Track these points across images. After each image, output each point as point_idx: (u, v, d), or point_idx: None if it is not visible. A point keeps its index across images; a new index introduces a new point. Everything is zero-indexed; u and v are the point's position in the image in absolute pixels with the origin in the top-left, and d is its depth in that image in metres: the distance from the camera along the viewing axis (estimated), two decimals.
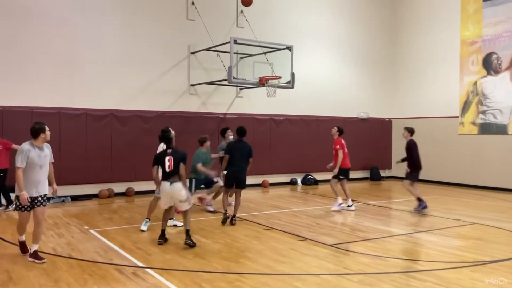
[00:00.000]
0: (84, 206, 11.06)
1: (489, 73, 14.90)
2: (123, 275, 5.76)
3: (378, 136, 17.58)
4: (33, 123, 6.36)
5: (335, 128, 10.76)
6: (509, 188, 13.95)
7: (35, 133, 6.19)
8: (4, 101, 11.19)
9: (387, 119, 17.97)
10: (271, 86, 12.21)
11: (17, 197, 6.11)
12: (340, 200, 10.52)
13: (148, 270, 5.94)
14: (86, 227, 8.56)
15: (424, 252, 6.96)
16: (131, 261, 6.36)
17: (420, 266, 6.19)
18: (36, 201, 6.24)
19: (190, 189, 9.76)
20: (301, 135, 15.76)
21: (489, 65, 14.88)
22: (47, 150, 6.36)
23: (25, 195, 6.01)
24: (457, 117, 15.71)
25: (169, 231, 7.58)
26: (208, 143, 10.06)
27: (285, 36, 14.73)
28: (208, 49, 13.30)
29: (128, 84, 12.84)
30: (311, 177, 15.76)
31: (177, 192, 7.09)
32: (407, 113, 17.46)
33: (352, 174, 16.93)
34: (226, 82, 12.53)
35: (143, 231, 8.20)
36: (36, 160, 6.11)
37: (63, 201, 11.49)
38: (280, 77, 12.42)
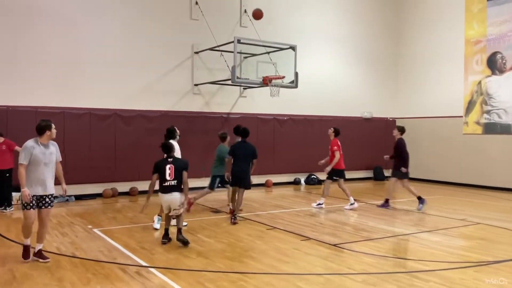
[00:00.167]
0: (88, 206, 11.09)
1: (493, 73, 14.84)
2: (127, 274, 5.77)
3: (381, 136, 17.51)
4: (39, 120, 6.32)
5: (332, 129, 10.93)
6: None
7: (41, 130, 6.16)
8: (9, 101, 11.24)
9: (391, 119, 17.93)
10: (275, 85, 12.20)
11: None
12: (322, 200, 10.81)
13: (152, 270, 5.94)
14: (90, 227, 8.58)
15: (428, 252, 6.93)
16: (134, 260, 6.37)
17: (423, 266, 6.17)
18: (43, 201, 6.19)
19: (212, 187, 9.82)
20: (304, 135, 15.75)
21: (494, 64, 14.82)
22: (53, 148, 6.30)
23: (26, 192, 5.96)
24: (461, 116, 15.65)
25: (172, 231, 7.58)
26: (228, 138, 10.14)
27: (288, 35, 14.73)
28: (211, 49, 13.31)
29: (131, 83, 12.86)
30: (315, 176, 15.75)
31: (175, 201, 7.19)
32: (411, 113, 17.43)
33: (356, 174, 17.15)
34: (229, 82, 12.55)
35: (156, 229, 8.20)
36: (40, 157, 6.06)
37: (67, 200, 11.52)
38: (283, 77, 12.40)
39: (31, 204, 6.07)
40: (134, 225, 8.77)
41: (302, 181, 15.77)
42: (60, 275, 5.71)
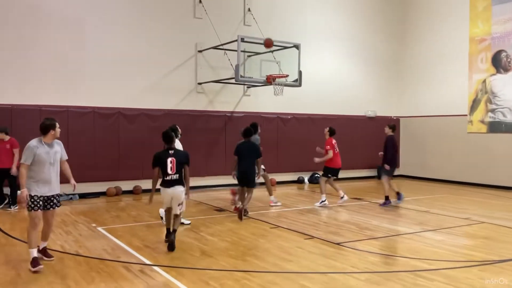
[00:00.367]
0: (92, 204, 11.11)
1: (498, 71, 14.76)
2: (130, 272, 5.77)
3: (385, 135, 17.43)
4: (43, 119, 6.17)
5: (327, 128, 11.22)
6: None
7: (45, 129, 6.00)
8: (13, 99, 11.27)
9: (395, 118, 17.87)
10: (278, 84, 12.18)
11: (29, 196, 5.88)
12: (324, 197, 10.90)
13: (155, 268, 5.95)
14: (93, 225, 8.60)
15: (432, 251, 6.91)
16: (138, 258, 6.38)
17: (428, 265, 6.15)
18: (51, 202, 6.10)
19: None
20: (308, 133, 15.71)
21: (498, 63, 14.74)
22: (58, 147, 6.17)
23: (24, 193, 5.81)
24: (466, 115, 15.59)
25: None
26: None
27: (292, 34, 14.69)
28: (215, 48, 13.30)
29: (135, 82, 12.87)
30: (318, 175, 15.70)
31: (178, 195, 7.02)
32: (415, 112, 17.37)
33: (359, 173, 17.12)
34: (233, 81, 12.53)
35: (162, 217, 8.13)
36: (45, 157, 5.92)
37: (71, 198, 11.55)
38: (287, 76, 12.39)
39: (38, 205, 5.93)
40: (137, 223, 8.78)
41: (306, 180, 15.75)
42: (64, 273, 5.72)
